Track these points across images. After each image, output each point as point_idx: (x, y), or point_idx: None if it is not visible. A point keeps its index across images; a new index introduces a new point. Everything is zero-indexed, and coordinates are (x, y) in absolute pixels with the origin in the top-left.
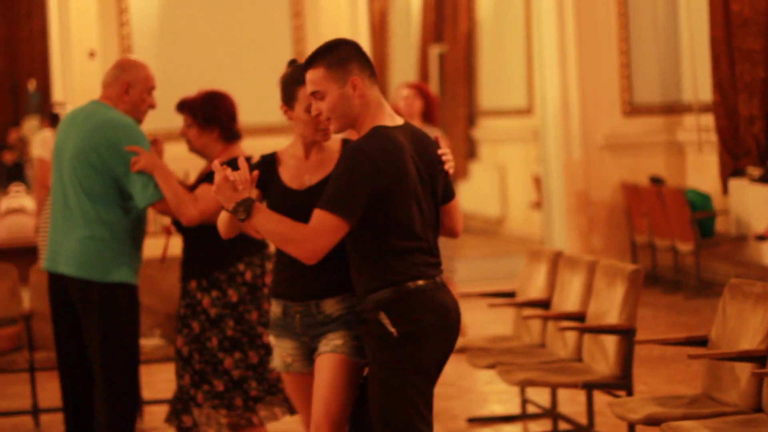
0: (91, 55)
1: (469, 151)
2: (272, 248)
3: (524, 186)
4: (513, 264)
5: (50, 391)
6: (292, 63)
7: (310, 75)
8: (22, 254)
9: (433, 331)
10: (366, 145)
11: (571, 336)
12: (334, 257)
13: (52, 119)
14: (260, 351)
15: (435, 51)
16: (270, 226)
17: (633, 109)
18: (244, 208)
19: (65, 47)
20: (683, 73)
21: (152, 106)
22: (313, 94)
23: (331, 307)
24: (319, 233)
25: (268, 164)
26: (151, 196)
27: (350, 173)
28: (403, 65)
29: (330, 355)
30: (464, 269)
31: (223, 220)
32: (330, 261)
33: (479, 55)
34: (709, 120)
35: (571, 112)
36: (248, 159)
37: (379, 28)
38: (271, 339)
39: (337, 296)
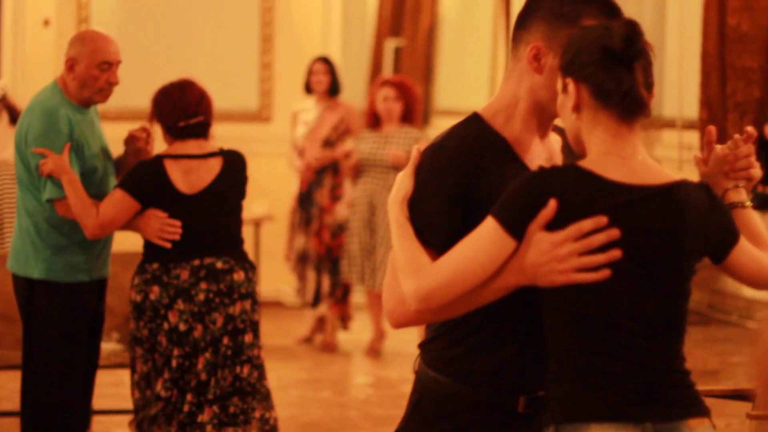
0: (46, 23)
1: None
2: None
3: None
4: None
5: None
6: None
7: None
8: None
9: None
10: None
11: None
12: None
13: None
14: None
15: (391, 45)
16: None
17: None
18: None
19: (19, 14)
20: (666, 87)
21: (111, 83)
22: None
23: None
24: None
25: None
26: (54, 191)
27: None
28: (357, 59)
29: None
30: None
31: None
32: None
33: (439, 52)
34: (692, 137)
35: None
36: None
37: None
38: None
39: None
